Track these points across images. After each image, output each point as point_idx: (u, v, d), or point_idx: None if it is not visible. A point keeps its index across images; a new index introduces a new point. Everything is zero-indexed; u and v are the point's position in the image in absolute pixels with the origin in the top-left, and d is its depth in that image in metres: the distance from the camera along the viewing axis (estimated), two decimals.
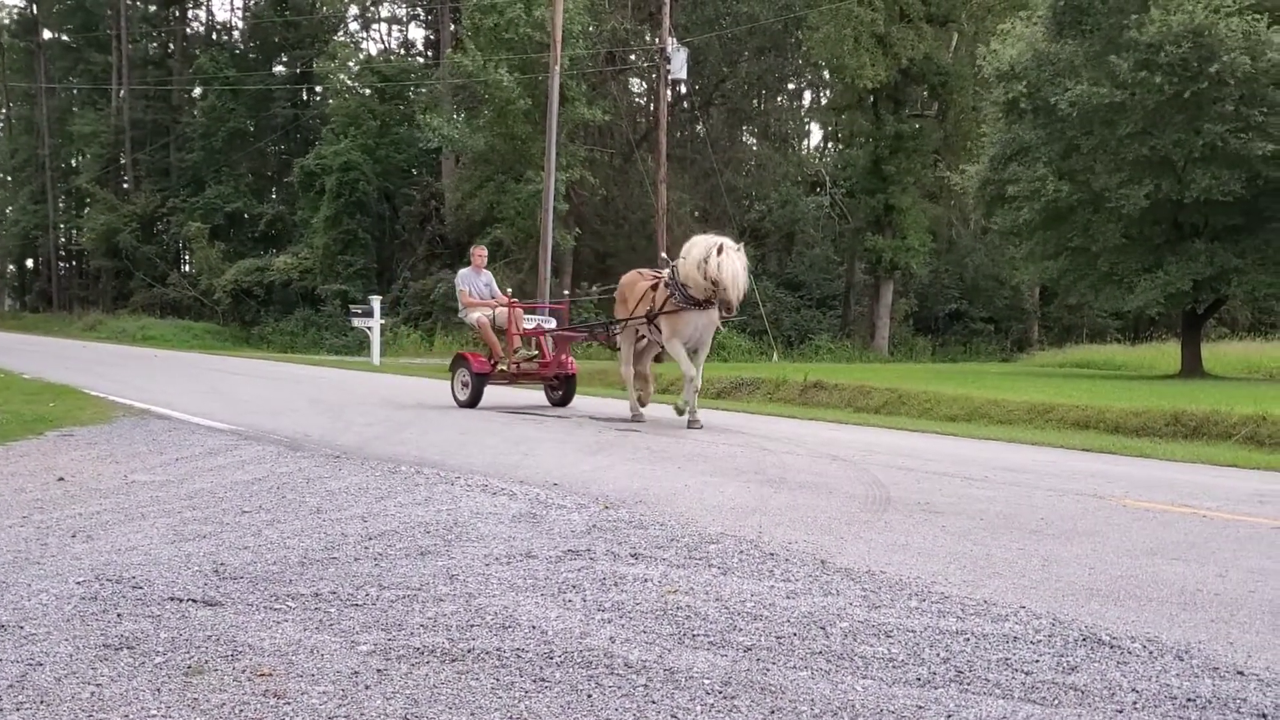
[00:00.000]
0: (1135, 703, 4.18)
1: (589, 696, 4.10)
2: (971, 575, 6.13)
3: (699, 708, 4.02)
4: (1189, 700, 4.21)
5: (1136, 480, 10.54)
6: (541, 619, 5.01)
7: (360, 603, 5.26)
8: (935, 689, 4.28)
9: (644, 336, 15.00)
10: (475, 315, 16.44)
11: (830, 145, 56.60)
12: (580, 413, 16.05)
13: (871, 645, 4.76)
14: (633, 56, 42.52)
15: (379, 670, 4.34)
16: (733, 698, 4.12)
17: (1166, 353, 31.88)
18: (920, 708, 4.08)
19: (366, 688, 4.15)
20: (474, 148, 40.39)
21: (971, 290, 46.19)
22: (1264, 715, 4.09)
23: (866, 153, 45.75)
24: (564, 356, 16.61)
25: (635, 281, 15.18)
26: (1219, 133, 25.20)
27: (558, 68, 30.40)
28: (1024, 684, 4.35)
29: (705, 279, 13.33)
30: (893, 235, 43.35)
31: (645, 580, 5.69)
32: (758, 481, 9.70)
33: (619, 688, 4.20)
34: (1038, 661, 4.60)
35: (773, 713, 3.99)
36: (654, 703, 4.05)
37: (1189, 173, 26.02)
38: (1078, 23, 28.25)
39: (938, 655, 4.65)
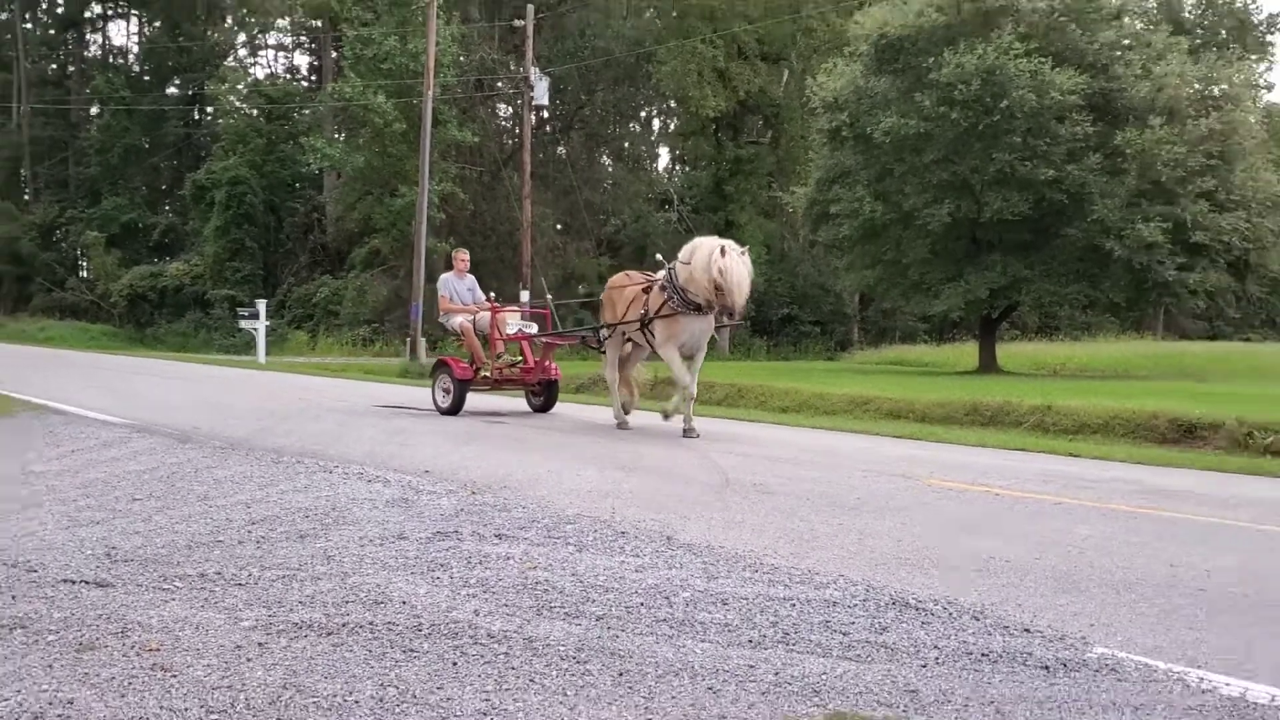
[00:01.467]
0: (937, 658, 4.26)
1: (454, 665, 4.03)
2: (798, 548, 6.20)
3: (554, 673, 3.98)
4: (983, 655, 4.30)
5: (940, 463, 10.78)
6: (412, 595, 4.91)
7: (243, 582, 5.11)
8: (765, 649, 4.31)
9: (630, 341, 13.52)
10: (457, 320, 14.69)
11: (678, 167, 56.81)
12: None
13: (710, 612, 4.77)
14: (500, 84, 42.17)
15: (260, 644, 4.21)
16: (585, 662, 4.09)
17: (966, 352, 32.70)
18: (751, 667, 4.09)
19: (248, 660, 4.03)
20: (353, 166, 39.83)
21: (801, 297, 46.74)
22: (1047, 667, 4.19)
23: (709, 174, 46.29)
24: (547, 362, 14.95)
25: (624, 284, 13.65)
26: (1009, 160, 25.98)
27: (430, 93, 30.08)
28: (842, 643, 4.40)
29: (709, 280, 11.73)
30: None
31: (508, 558, 5.63)
32: (612, 467, 9.68)
33: (482, 656, 4.13)
34: (854, 623, 4.66)
35: (621, 675, 3.97)
36: (514, 669, 4.00)
37: (984, 195, 26.77)
38: (891, 61, 28.86)
39: (767, 620, 4.68)
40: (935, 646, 4.38)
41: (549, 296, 15.91)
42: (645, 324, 12.68)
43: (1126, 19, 30.76)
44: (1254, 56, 48.33)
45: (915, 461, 10.74)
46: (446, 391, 14.23)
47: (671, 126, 53.75)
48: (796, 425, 14.93)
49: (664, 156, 56.89)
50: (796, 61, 43.82)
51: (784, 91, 44.17)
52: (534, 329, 15.16)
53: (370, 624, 4.46)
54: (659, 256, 13.56)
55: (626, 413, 13.60)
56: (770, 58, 43.90)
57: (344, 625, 4.45)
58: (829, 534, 6.75)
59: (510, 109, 47.13)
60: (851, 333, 47.43)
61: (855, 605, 4.94)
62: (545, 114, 43.13)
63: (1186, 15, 48.25)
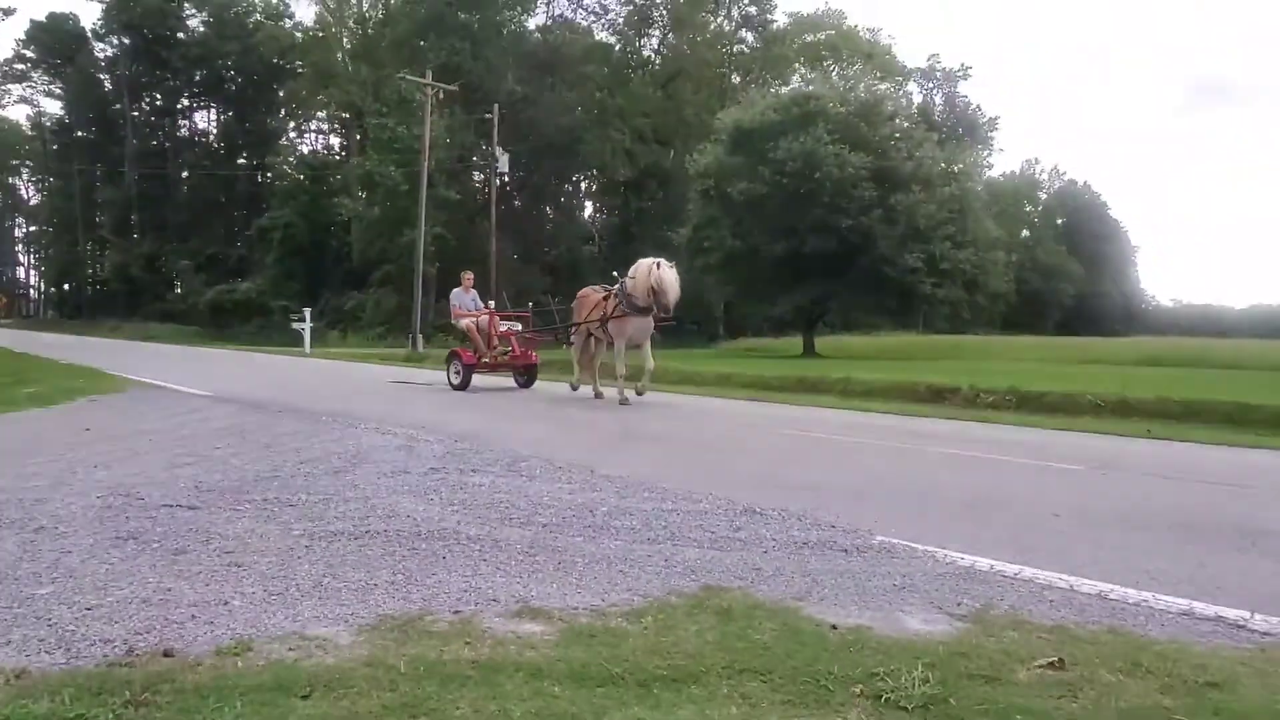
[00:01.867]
0: (774, 546, 4.31)
1: (444, 558, 3.99)
2: (682, 475, 6.19)
3: (514, 562, 3.96)
4: (804, 544, 4.36)
5: (777, 417, 10.90)
6: (414, 511, 4.83)
7: (294, 504, 4.98)
8: (659, 545, 4.32)
9: (592, 336, 12.94)
10: (465, 322, 14.28)
11: (598, 215, 56.53)
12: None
13: (621, 521, 4.76)
14: (475, 158, 41.55)
15: (306, 546, 4.12)
16: (535, 555, 4.08)
17: (795, 342, 33.10)
18: (649, 556, 4.11)
19: (298, 558, 3.94)
20: (369, 218, 39.16)
21: (685, 306, 46.96)
22: (846, 550, 4.26)
23: (620, 220, 46.29)
24: (529, 351, 14.56)
25: (589, 295, 13.19)
26: (821, 214, 26.37)
27: (425, 165, 29.57)
28: (710, 539, 4.43)
29: (648, 287, 11.47)
30: None
31: (480, 485, 5.55)
32: (554, 424, 9.62)
33: (464, 551, 4.10)
34: (718, 525, 4.69)
35: (560, 563, 3.97)
36: (485, 560, 3.97)
37: (806, 237, 27.15)
38: (743, 145, 29.08)
39: (661, 524, 4.68)
40: (772, 539, 4.44)
41: (531, 304, 15.65)
42: (603, 322, 12.34)
43: (898, 119, 31.39)
44: (979, 146, 49.61)
45: (761, 416, 10.85)
46: (457, 373, 13.93)
47: (594, 187, 53.42)
48: (681, 394, 14.96)
49: (589, 208, 56.56)
50: (679, 144, 43.89)
51: (672, 164, 44.22)
52: (518, 328, 14.82)
53: (385, 531, 4.39)
54: (615, 273, 13.28)
55: (594, 393, 13.04)
56: (661, 141, 43.98)
57: (366, 532, 4.37)
58: (703, 466, 6.79)
59: (482, 175, 46.53)
60: (718, 329, 47.73)
61: (719, 513, 4.97)
62: (506, 178, 42.69)
63: (936, 118, 49.24)
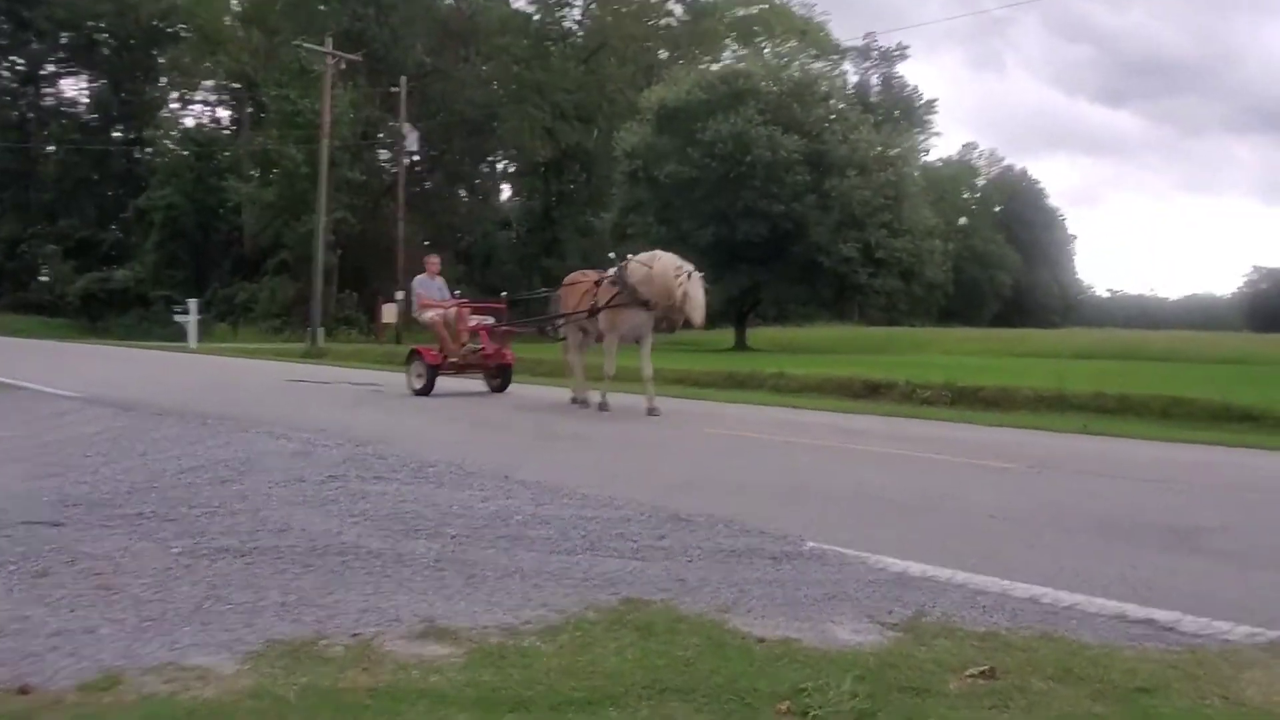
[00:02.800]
0: (699, 555, 4.34)
1: (342, 575, 3.90)
2: (604, 480, 6.19)
3: (419, 578, 3.90)
4: (731, 551, 4.38)
5: (706, 416, 10.98)
6: (309, 524, 4.71)
7: (174, 518, 4.80)
8: (576, 556, 4.31)
9: (585, 329, 11.75)
10: (429, 314, 12.99)
11: (517, 198, 56.05)
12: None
13: (537, 530, 4.72)
14: (381, 134, 40.81)
15: (186, 565, 3.98)
16: (442, 570, 4.02)
17: (726, 335, 33.43)
18: (566, 568, 4.10)
19: (177, 578, 3.80)
20: (265, 199, 38.11)
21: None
22: (774, 557, 4.31)
23: (540, 204, 46.00)
24: (504, 349, 13.31)
25: (576, 280, 11.90)
26: (752, 198, 26.68)
27: (326, 143, 28.89)
28: (632, 548, 4.43)
29: (671, 292, 10.15)
30: (557, 259, 43.66)
31: (384, 494, 5.44)
32: (466, 425, 9.52)
33: (364, 567, 4.01)
34: (641, 534, 4.69)
35: (470, 578, 3.92)
36: (388, 576, 3.90)
37: (737, 223, 27.43)
38: (670, 124, 29.20)
39: (579, 534, 4.66)
40: (698, 547, 4.46)
41: (504, 293, 14.51)
42: (593, 313, 11.03)
43: (833, 100, 31.93)
44: (916, 129, 50.87)
45: (689, 415, 10.91)
46: (420, 376, 12.55)
47: (512, 168, 53.00)
48: (609, 390, 14.92)
49: (506, 190, 56.09)
50: (603, 122, 43.84)
51: (595, 144, 44.15)
52: (490, 321, 13.46)
53: (276, 547, 4.27)
54: (611, 255, 11.88)
55: (579, 394, 11.74)
56: (584, 119, 43.83)
57: (255, 549, 4.24)
58: (627, 469, 6.80)
59: (389, 154, 45.74)
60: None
61: (643, 520, 4.97)
62: (415, 158, 42.03)
63: (872, 100, 50.26)
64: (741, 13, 51.10)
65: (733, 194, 27.22)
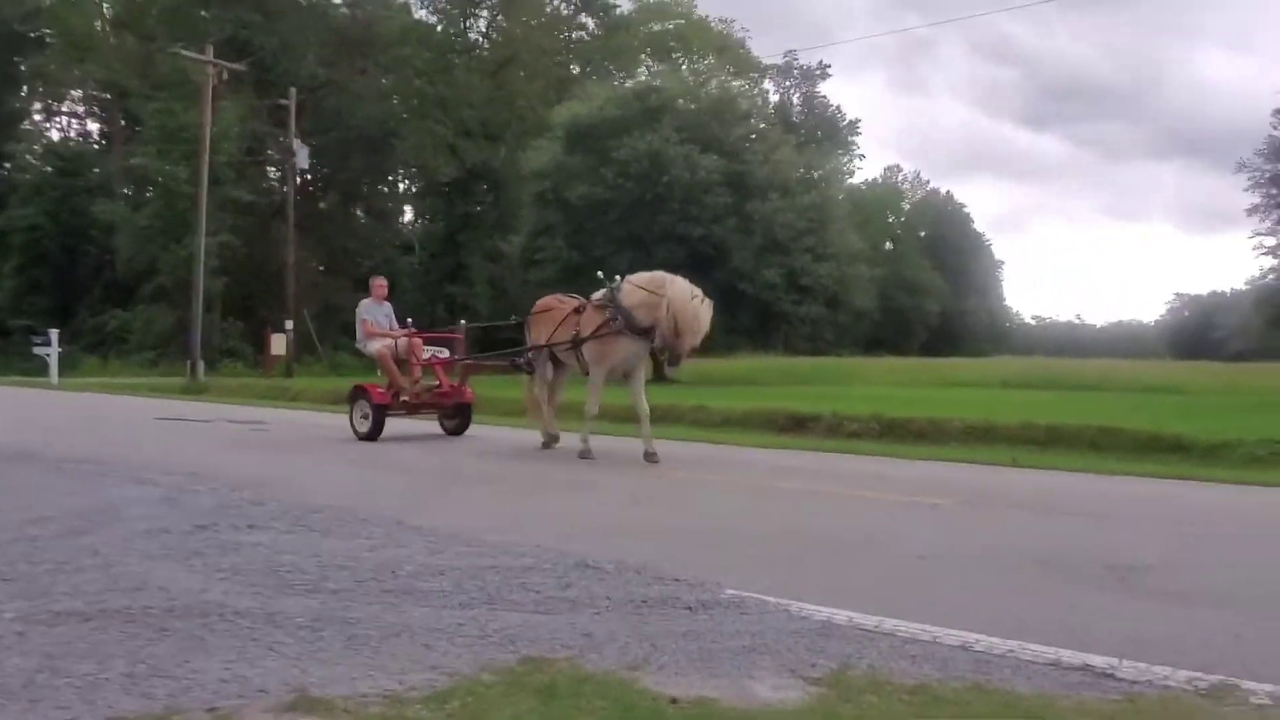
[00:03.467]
0: (608, 606, 4.21)
1: (202, 640, 3.65)
2: (507, 524, 6.04)
3: (292, 640, 3.67)
4: (643, 601, 4.28)
5: (621, 453, 10.82)
6: (169, 581, 4.43)
7: (11, 578, 4.46)
8: (473, 610, 4.13)
9: (558, 362, 11.03)
10: (376, 345, 11.93)
11: (419, 220, 55.45)
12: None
13: (429, 582, 4.54)
14: (270, 150, 39.98)
15: (19, 633, 3.67)
16: (319, 630, 3.80)
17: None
18: (461, 624, 3.92)
19: (7, 648, 3.50)
20: (138, 221, 36.87)
21: (521, 325, 46.67)
22: (690, 607, 4.21)
23: (444, 227, 45.53)
24: (464, 386, 12.50)
25: (550, 306, 11.14)
26: (670, 222, 26.83)
27: (205, 159, 28.11)
28: (535, 600, 4.28)
29: (676, 314, 9.51)
30: (464, 285, 43.30)
31: (258, 545, 5.18)
32: (359, 466, 9.22)
33: (228, 630, 3.76)
34: (545, 583, 4.54)
35: (351, 638, 3.71)
36: (255, 640, 3.66)
37: (654, 247, 27.48)
38: (582, 142, 29.23)
39: (476, 585, 4.49)
40: (607, 597, 4.33)
41: (463, 321, 13.75)
42: (578, 343, 10.28)
43: (753, 119, 32.46)
44: (840, 151, 52.19)
45: (603, 452, 10.76)
46: (365, 417, 11.56)
47: (414, 189, 52.47)
48: (513, 428, 14.71)
49: (408, 212, 55.43)
50: (511, 140, 43.78)
51: (503, 163, 44.01)
52: (445, 354, 12.68)
53: (128, 609, 3.98)
54: (600, 274, 11.05)
55: (552, 435, 11.08)
56: (491, 136, 43.71)
57: (103, 611, 3.95)
58: (532, 512, 6.64)
59: (278, 171, 44.84)
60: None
61: (547, 569, 4.83)
62: (308, 176, 41.28)
63: (794, 119, 51.37)
64: (657, 27, 51.83)
65: (649, 217, 27.32)
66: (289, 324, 29.50)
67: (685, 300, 9.58)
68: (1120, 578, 4.87)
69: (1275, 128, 19.77)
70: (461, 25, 47.26)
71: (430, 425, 12.97)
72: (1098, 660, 3.58)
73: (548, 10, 48.73)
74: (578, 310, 10.59)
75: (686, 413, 15.33)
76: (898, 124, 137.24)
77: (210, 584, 4.41)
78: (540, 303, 11.48)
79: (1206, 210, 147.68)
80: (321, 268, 43.95)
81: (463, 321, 13.32)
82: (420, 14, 46.65)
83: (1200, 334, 74.06)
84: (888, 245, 67.93)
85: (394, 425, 12.16)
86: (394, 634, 3.78)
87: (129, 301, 41.39)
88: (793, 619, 4.07)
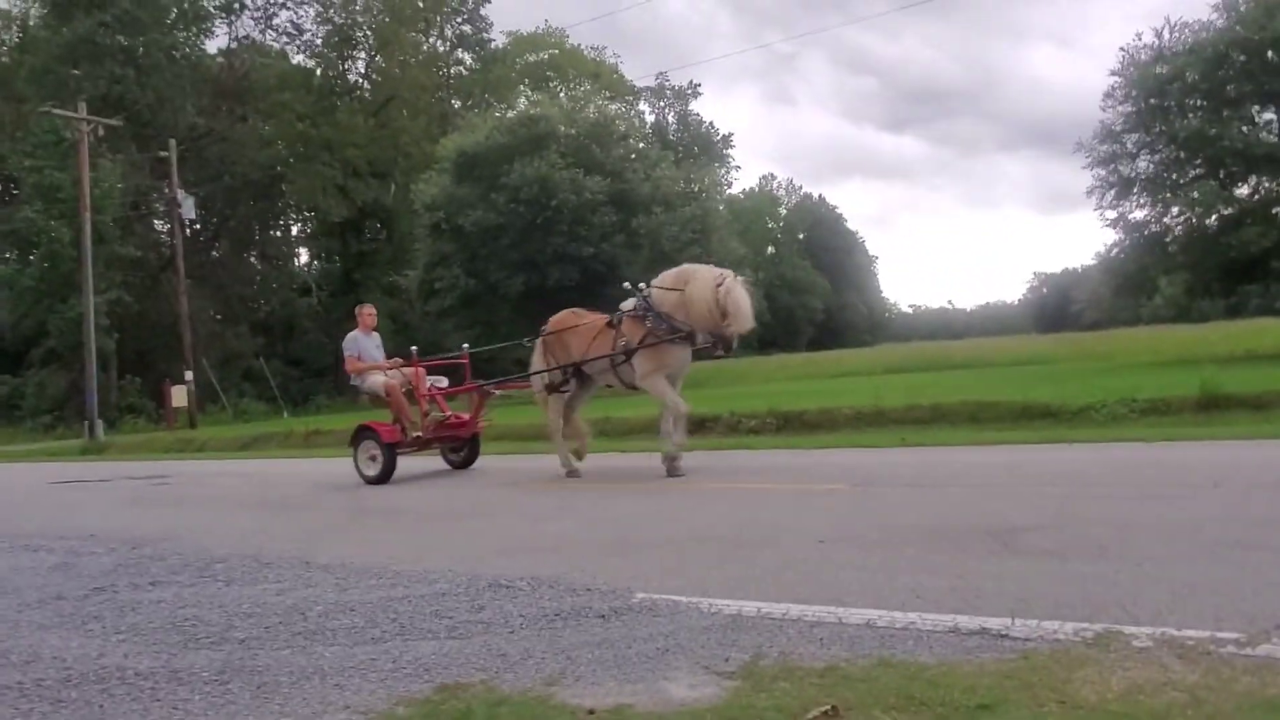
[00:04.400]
0: (522, 624, 4.09)
1: (101, 707, 3.39)
2: (418, 553, 5.84)
3: (197, 696, 3.45)
4: (556, 615, 4.17)
5: (526, 471, 10.73)
6: (64, 649, 4.11)
7: None
8: (386, 643, 3.95)
9: (567, 384, 10.03)
10: (377, 379, 10.57)
11: (315, 262, 54.02)
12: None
13: (340, 620, 4.34)
14: (157, 203, 38.42)
15: None
16: (227, 683, 3.57)
17: None
18: (374, 659, 3.74)
19: None
20: (22, 283, 34.89)
21: (421, 352, 45.89)
22: (603, 615, 4.11)
23: (340, 267, 44.56)
24: (478, 414, 11.30)
25: (575, 322, 10.04)
26: (561, 243, 26.78)
27: (87, 216, 26.82)
28: (448, 626, 4.13)
29: (712, 307, 8.79)
30: None
31: (160, 602, 4.88)
32: (264, 509, 8.83)
33: (129, 694, 3.50)
34: (457, 609, 4.39)
35: (259, 687, 3.50)
36: (159, 701, 3.42)
37: (547, 269, 27.43)
38: (471, 172, 28.96)
39: (388, 618, 4.32)
40: (521, 615, 4.20)
41: (465, 346, 12.13)
42: (629, 355, 9.29)
43: (631, 139, 32.67)
44: (717, 164, 52.92)
45: (507, 472, 10.64)
46: (373, 459, 10.33)
47: (307, 231, 51.09)
48: (424, 457, 14.37)
49: (303, 254, 53.97)
50: (399, 176, 43.08)
51: (393, 199, 43.25)
52: (444, 383, 11.45)
53: (19, 684, 3.67)
54: (626, 284, 10.07)
55: (580, 458, 10.06)
56: (379, 174, 42.94)
57: None
58: (443, 538, 6.45)
59: (166, 223, 43.15)
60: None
61: (460, 594, 4.67)
62: (196, 225, 39.83)
63: (671, 137, 51.93)
64: (533, 58, 51.77)
65: (541, 239, 27.22)
66: (189, 375, 28.33)
67: (708, 289, 8.87)
68: (1005, 542, 4.96)
69: (1104, 110, 20.69)
70: (340, 68, 46.36)
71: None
72: (992, 622, 3.61)
73: (424, 49, 48.17)
74: (611, 324, 9.65)
75: (592, 424, 15.18)
76: (770, 135, 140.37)
77: (109, 648, 4.12)
78: (557, 319, 10.36)
79: (1055, 194, 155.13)
80: (219, 316, 42.40)
81: (465, 346, 12.10)
82: (298, 59, 45.58)
83: (1059, 308, 77.36)
84: (769, 250, 69.18)
85: (288, 465, 11.73)
86: (305, 677, 3.58)
87: (19, 367, 39.22)
88: (704, 616, 4.01)
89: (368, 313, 11.30)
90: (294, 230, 53.18)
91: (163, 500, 10.38)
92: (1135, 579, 4.07)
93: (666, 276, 9.45)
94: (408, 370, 10.86)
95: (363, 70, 47.37)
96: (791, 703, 2.96)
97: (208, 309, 40.22)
